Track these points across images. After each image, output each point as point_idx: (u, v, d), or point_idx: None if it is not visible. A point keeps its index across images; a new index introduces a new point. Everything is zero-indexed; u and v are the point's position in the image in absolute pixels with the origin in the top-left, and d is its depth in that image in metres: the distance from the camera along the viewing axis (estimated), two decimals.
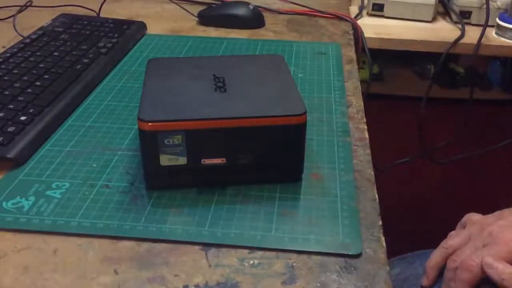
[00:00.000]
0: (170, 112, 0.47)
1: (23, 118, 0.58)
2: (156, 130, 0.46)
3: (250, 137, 0.48)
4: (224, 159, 0.48)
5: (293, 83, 0.53)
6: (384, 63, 1.34)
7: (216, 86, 0.52)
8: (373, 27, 1.03)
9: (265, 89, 0.52)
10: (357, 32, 0.94)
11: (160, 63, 0.58)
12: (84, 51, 0.75)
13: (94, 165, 0.53)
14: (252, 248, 0.43)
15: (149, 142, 0.47)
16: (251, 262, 0.42)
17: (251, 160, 0.49)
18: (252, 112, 0.48)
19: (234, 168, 0.49)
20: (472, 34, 1.01)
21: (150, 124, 0.46)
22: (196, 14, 0.93)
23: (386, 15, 1.08)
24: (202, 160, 0.48)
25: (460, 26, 1.04)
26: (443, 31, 1.04)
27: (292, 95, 0.51)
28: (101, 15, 0.93)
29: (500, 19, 1.01)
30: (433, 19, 1.08)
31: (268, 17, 0.94)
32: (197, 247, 0.44)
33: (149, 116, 0.46)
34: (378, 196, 0.50)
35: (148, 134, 0.46)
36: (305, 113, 0.48)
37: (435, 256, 0.64)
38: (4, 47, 0.78)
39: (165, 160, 0.47)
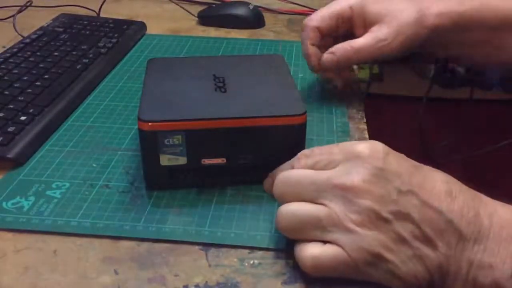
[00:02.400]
0: (170, 112, 0.47)
1: (23, 118, 0.58)
2: (156, 130, 0.46)
3: (250, 137, 0.48)
4: (224, 159, 0.48)
5: (293, 83, 0.53)
6: (384, 63, 1.34)
7: (216, 86, 0.52)
8: None
9: (265, 89, 0.52)
10: None
11: (160, 63, 0.58)
12: (84, 51, 0.75)
13: (94, 165, 0.53)
14: (252, 248, 0.43)
15: (149, 142, 0.47)
16: (251, 262, 0.42)
17: (251, 160, 0.49)
18: (252, 112, 0.48)
19: (234, 168, 0.49)
20: None
21: (150, 124, 0.46)
22: (196, 14, 0.93)
23: None
24: (202, 160, 0.48)
25: None
26: None
27: (292, 95, 0.51)
28: (101, 15, 0.93)
29: None
30: None
31: (268, 17, 0.94)
32: (197, 247, 0.44)
33: (149, 116, 0.46)
34: None
35: (148, 134, 0.46)
36: (305, 113, 0.48)
37: None
38: (4, 47, 0.78)
39: (165, 160, 0.47)
